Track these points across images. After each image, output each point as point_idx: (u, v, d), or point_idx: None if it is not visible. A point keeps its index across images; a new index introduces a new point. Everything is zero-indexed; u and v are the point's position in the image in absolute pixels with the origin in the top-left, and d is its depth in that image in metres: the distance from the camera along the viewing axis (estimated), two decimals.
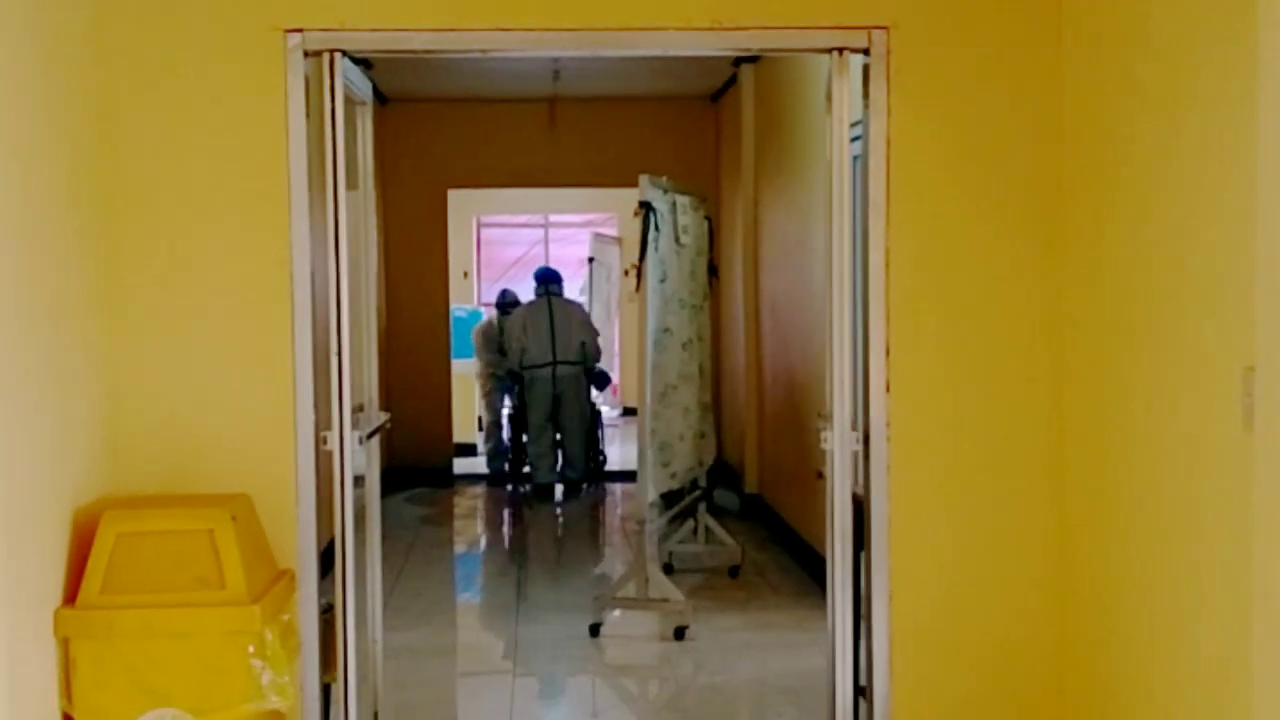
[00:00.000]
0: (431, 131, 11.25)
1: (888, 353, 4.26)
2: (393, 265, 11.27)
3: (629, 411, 14.06)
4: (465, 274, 15.31)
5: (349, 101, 4.26)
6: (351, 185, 4.29)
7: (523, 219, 16.50)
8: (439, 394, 11.68)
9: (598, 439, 11.56)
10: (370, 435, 4.56)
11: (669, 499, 8.30)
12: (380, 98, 4.84)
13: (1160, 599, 3.63)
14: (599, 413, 11.75)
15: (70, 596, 3.70)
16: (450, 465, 11.70)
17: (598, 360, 11.11)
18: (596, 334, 11.22)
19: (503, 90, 10.91)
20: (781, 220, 8.86)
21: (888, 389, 4.26)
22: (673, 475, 7.26)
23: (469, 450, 12.11)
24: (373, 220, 4.94)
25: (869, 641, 4.32)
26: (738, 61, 9.50)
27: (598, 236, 14.34)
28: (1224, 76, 3.23)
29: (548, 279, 11.13)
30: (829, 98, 4.31)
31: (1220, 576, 3.27)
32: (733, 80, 10.12)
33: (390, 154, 10.55)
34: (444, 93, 10.99)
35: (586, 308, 13.53)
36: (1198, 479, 3.40)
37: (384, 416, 4.83)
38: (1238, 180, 3.13)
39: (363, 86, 4.57)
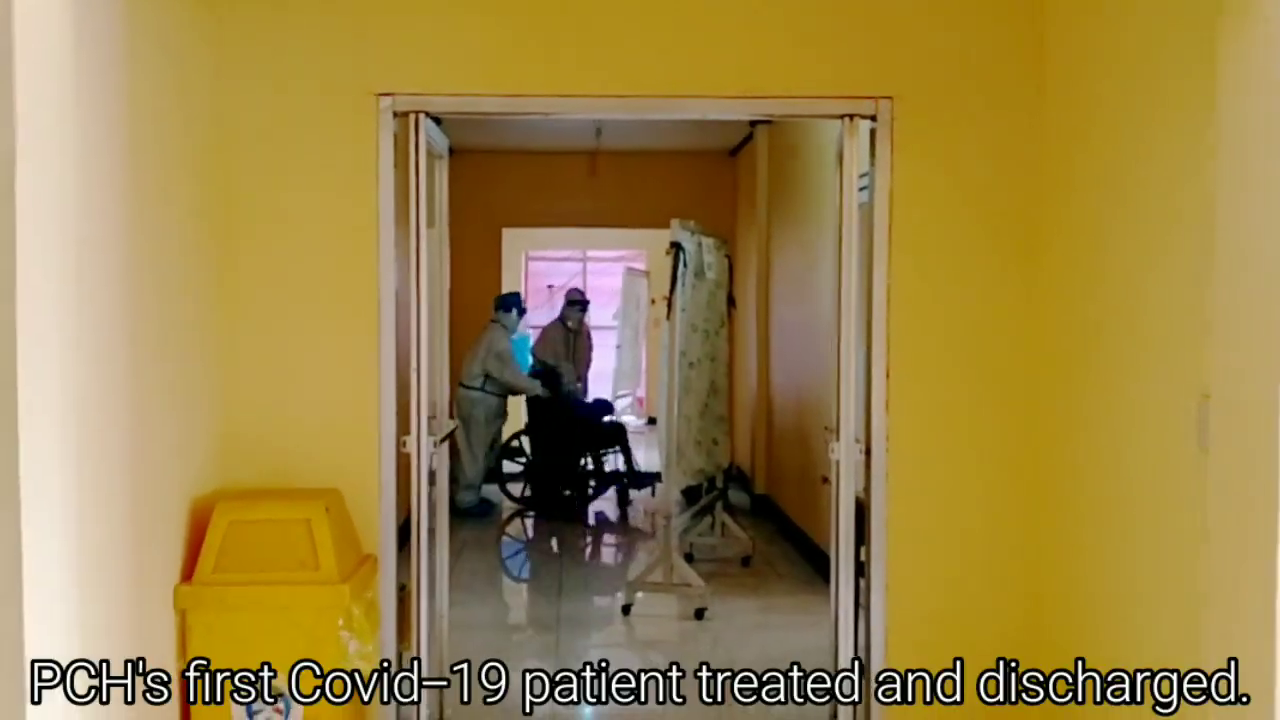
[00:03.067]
0: (489, 178, 11.29)
1: (888, 376, 4.27)
2: (454, 293, 11.21)
3: (652, 421, 14.04)
4: None
5: (429, 154, 4.30)
6: (429, 224, 4.32)
7: (564, 253, 16.52)
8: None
9: (630, 459, 10.27)
10: (441, 440, 4.57)
11: (687, 496, 8.29)
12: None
13: (1121, 587, 3.63)
14: (624, 430, 10.44)
15: (188, 575, 3.74)
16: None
17: (575, 384, 10.00)
18: (506, 366, 9.61)
19: (551, 144, 10.97)
20: (789, 258, 8.86)
21: (887, 407, 4.27)
22: (683, 473, 7.29)
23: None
24: (446, 254, 4.98)
25: (868, 623, 4.32)
26: (754, 122, 9.52)
27: (629, 270, 14.31)
28: (1185, 128, 3.23)
29: (496, 303, 9.95)
30: (839, 157, 4.32)
31: (1174, 573, 3.27)
32: (749, 138, 10.14)
33: (454, 197, 10.47)
34: (501, 145, 11.05)
35: (619, 331, 13.40)
36: (1158, 491, 3.39)
37: (453, 424, 4.84)
38: (1196, 227, 3.13)
39: (440, 141, 4.60)
